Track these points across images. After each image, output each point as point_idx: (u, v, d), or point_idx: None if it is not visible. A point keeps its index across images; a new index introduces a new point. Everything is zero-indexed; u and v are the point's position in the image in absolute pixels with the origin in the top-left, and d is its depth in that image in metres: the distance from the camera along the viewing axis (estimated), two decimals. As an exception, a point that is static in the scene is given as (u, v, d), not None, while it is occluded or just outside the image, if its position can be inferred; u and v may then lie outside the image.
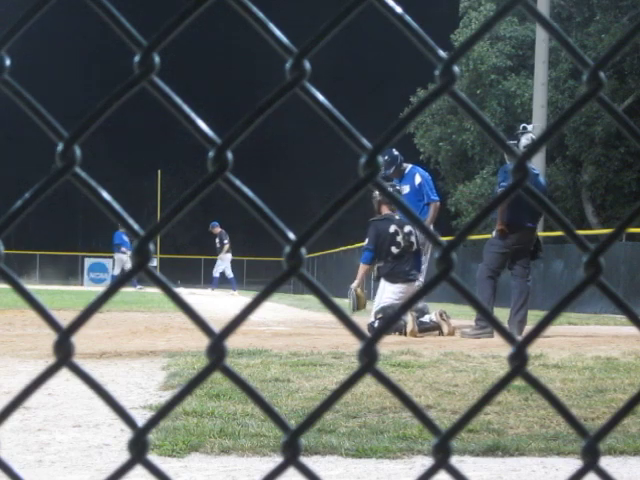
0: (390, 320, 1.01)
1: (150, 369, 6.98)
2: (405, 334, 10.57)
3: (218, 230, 32.91)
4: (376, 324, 10.64)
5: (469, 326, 10.71)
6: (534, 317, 10.16)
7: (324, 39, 0.90)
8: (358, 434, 4.47)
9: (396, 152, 12.27)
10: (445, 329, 10.90)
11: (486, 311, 0.96)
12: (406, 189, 11.98)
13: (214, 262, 34.60)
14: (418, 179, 12.07)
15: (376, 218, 11.25)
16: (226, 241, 33.01)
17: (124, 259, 32.93)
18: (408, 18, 0.92)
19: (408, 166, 12.35)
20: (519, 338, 0.95)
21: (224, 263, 33.46)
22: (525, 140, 10.48)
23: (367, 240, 11.23)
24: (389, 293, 10.97)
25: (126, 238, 32.89)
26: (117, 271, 34.15)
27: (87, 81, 77.15)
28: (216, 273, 34.08)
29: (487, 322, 0.96)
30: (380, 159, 0.90)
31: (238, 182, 0.90)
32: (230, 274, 33.62)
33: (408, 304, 1.03)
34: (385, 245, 11.02)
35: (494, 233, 10.68)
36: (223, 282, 34.05)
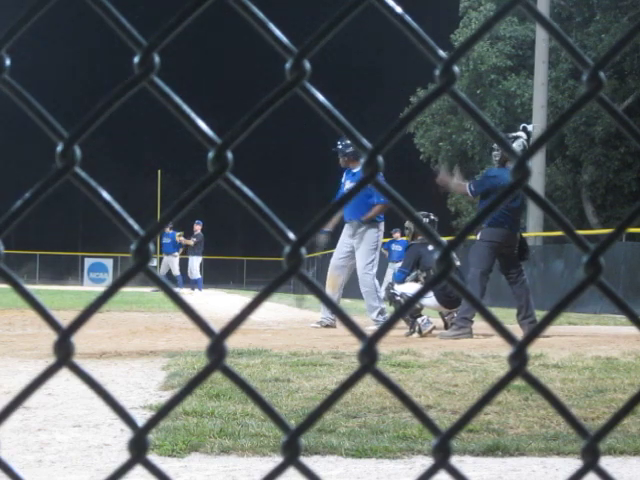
0: (390, 321, 1.01)
1: (150, 369, 6.98)
2: (421, 333, 10.60)
3: (199, 228, 31.71)
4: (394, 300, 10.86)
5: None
6: (534, 317, 10.18)
7: (324, 39, 0.90)
8: (358, 434, 4.47)
9: None
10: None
11: (485, 310, 0.96)
12: None
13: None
14: None
15: (417, 242, 11.52)
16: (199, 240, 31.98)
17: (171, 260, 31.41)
18: (408, 18, 0.92)
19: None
20: (519, 338, 0.95)
21: (197, 263, 32.38)
22: (517, 146, 10.23)
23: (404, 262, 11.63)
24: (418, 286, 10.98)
25: (166, 240, 31.04)
26: (176, 273, 31.65)
27: (87, 81, 77.13)
28: (198, 274, 32.66)
29: (489, 322, 0.96)
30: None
31: (238, 182, 0.90)
32: (196, 274, 32.71)
33: (408, 304, 1.03)
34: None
35: (479, 235, 10.80)
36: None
